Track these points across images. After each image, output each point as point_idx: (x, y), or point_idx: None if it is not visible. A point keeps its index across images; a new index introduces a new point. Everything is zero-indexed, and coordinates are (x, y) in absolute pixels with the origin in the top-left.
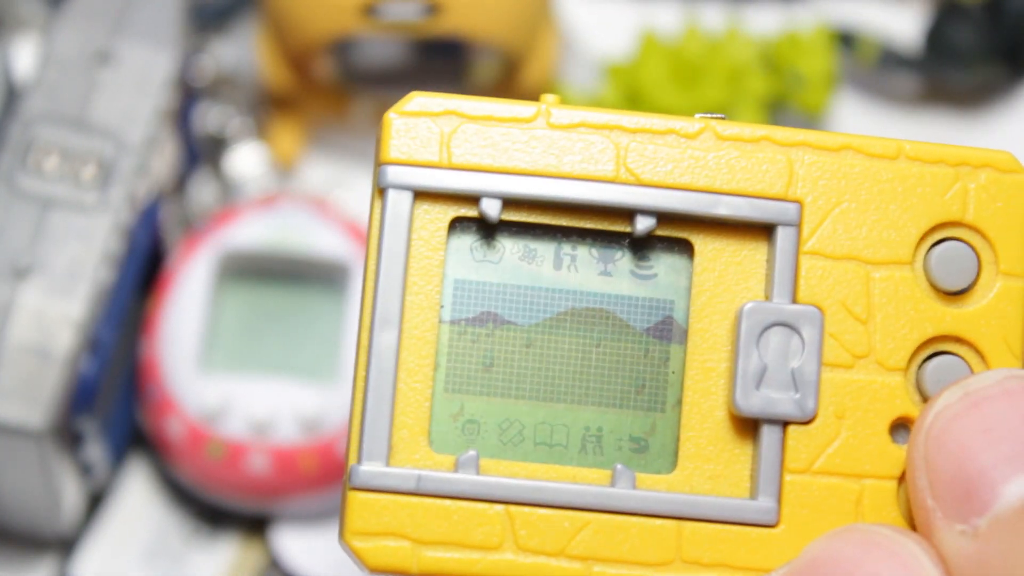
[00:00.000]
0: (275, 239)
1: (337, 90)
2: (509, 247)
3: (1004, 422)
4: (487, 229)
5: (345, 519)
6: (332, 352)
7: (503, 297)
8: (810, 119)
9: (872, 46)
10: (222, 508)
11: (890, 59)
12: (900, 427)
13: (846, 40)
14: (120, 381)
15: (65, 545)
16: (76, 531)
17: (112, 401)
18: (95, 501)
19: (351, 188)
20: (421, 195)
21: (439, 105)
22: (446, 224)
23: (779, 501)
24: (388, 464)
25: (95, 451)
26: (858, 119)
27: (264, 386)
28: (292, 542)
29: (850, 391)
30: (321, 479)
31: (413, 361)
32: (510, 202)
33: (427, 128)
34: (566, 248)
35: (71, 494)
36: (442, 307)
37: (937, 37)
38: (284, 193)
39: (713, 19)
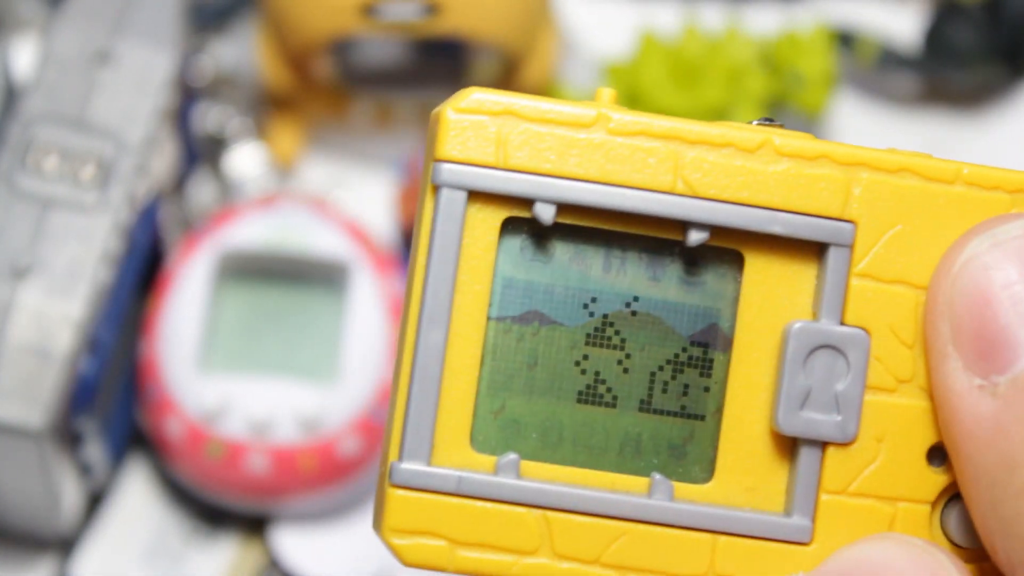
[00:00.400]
0: (274, 239)
1: (337, 90)
2: (559, 248)
3: None
4: (539, 231)
5: (384, 515)
6: (331, 352)
7: (550, 297)
8: (809, 119)
9: (872, 46)
10: (222, 508)
11: (890, 59)
12: (937, 452)
13: (845, 40)
14: (120, 381)
15: (65, 545)
16: (76, 531)
17: (112, 401)
18: (95, 501)
19: (350, 188)
20: (475, 195)
21: (496, 103)
22: (498, 224)
23: (813, 520)
24: (430, 463)
25: (95, 451)
26: (857, 119)
27: (263, 386)
28: (291, 542)
29: (891, 415)
30: (320, 479)
31: (458, 360)
32: (565, 207)
33: (484, 126)
34: (616, 252)
35: (71, 494)
36: (490, 306)
37: (936, 37)
38: (283, 193)
39: (713, 19)
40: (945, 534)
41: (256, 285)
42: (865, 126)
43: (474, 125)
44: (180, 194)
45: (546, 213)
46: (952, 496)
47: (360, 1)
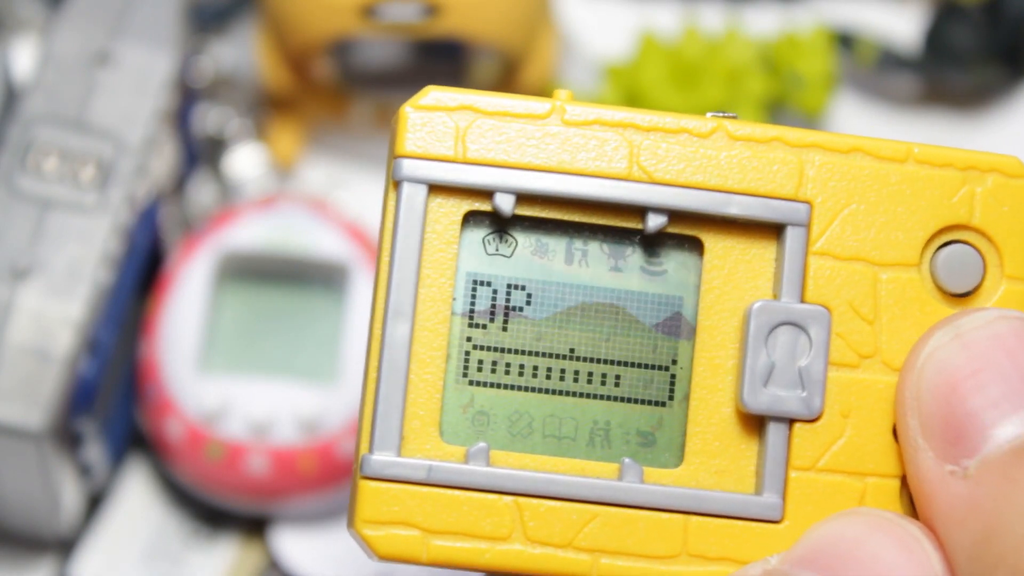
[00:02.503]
0: (274, 240)
1: (336, 91)
2: (521, 241)
3: (994, 364)
4: (500, 223)
5: (356, 507)
6: (331, 353)
7: (514, 290)
8: (809, 120)
9: (871, 47)
10: (221, 509)
11: (889, 60)
12: None
13: (845, 41)
14: (119, 382)
15: (64, 546)
16: (75, 532)
17: (111, 402)
18: (94, 502)
19: (350, 189)
20: (435, 189)
21: (454, 100)
22: (460, 218)
23: (784, 497)
24: (399, 454)
25: (94, 452)
26: (857, 120)
27: (263, 387)
28: (291, 543)
29: (856, 390)
30: (320, 480)
31: (425, 352)
32: (523, 197)
33: (442, 122)
34: (577, 243)
35: (70, 495)
36: (454, 300)
37: (936, 38)
38: (283, 194)
39: (712, 20)
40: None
41: (256, 286)
42: (865, 127)
43: (433, 121)
44: (180, 195)
45: (505, 204)
46: None
47: (360, 2)
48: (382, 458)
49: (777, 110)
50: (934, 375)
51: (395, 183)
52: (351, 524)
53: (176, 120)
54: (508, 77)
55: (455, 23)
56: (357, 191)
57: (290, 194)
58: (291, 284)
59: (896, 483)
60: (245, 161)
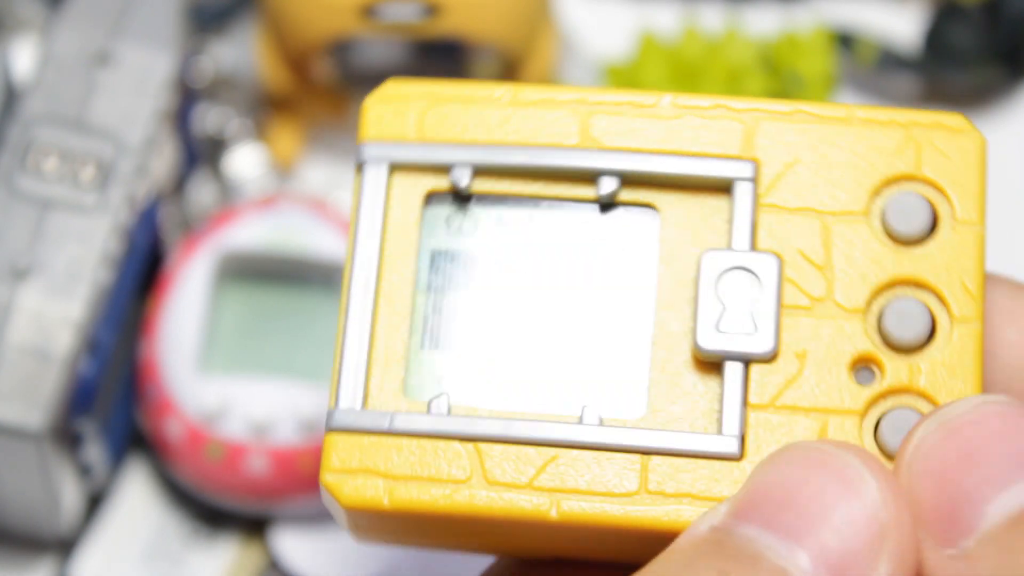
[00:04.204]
0: (274, 240)
1: (336, 91)
2: (482, 217)
3: (983, 447)
4: (461, 200)
5: (322, 460)
6: (331, 353)
7: (476, 264)
8: None
9: (871, 47)
10: (221, 509)
11: (889, 60)
12: (862, 367)
13: (845, 41)
14: (119, 382)
15: (64, 546)
16: (75, 532)
17: (111, 402)
18: (94, 502)
19: (350, 189)
20: (396, 168)
21: (414, 90)
22: (421, 196)
23: (743, 435)
24: (364, 407)
25: (94, 452)
26: None
27: (263, 387)
28: (291, 543)
29: (810, 331)
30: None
31: (389, 322)
32: (481, 171)
33: (402, 110)
34: (537, 216)
35: (70, 495)
36: (418, 273)
37: (936, 38)
38: (283, 194)
39: (712, 20)
40: (880, 444)
41: (256, 286)
42: None
43: (393, 109)
44: (180, 195)
45: (463, 177)
46: (893, 409)
47: (360, 2)
48: (346, 410)
49: None
50: (923, 466)
51: (359, 167)
52: (320, 478)
53: (176, 120)
54: (508, 77)
55: (455, 23)
56: None
57: (290, 194)
58: (291, 284)
59: (857, 420)
60: (245, 161)
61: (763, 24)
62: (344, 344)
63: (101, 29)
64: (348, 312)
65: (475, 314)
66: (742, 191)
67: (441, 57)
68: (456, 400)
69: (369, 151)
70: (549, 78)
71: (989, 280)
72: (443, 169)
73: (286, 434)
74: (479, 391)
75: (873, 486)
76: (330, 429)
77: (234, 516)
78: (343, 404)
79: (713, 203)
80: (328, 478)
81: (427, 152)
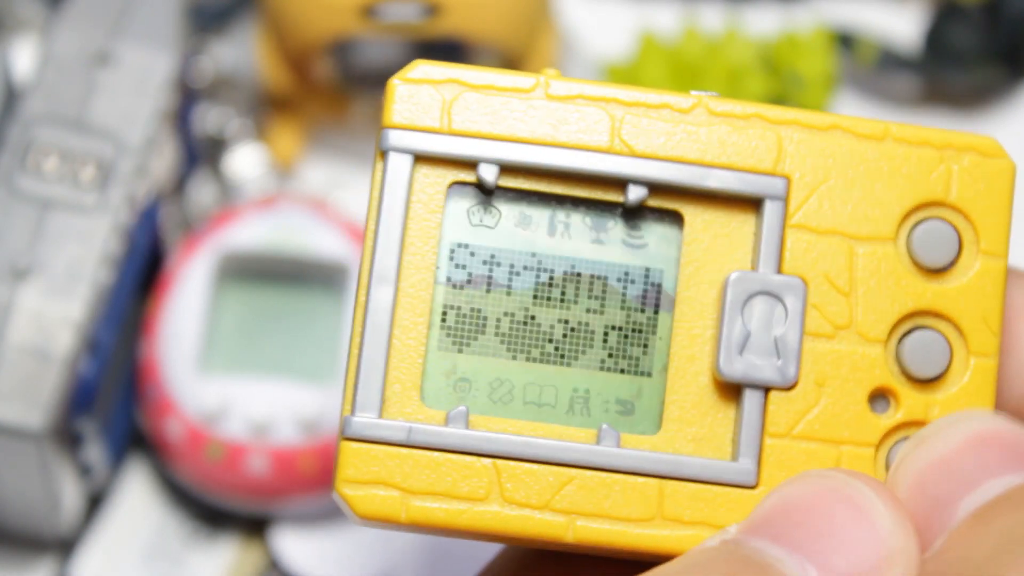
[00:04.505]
0: (274, 240)
1: (336, 91)
2: (505, 212)
3: (954, 454)
4: (484, 194)
5: (337, 468)
6: (331, 353)
7: (497, 260)
8: None
9: (871, 47)
10: (222, 509)
11: (889, 60)
12: (879, 397)
13: (845, 41)
14: (120, 382)
15: (64, 546)
16: (76, 532)
17: (112, 402)
18: (95, 502)
19: (350, 189)
20: (421, 159)
21: (442, 73)
22: (444, 188)
23: (759, 463)
24: (380, 416)
25: (95, 452)
26: None
27: (263, 387)
28: (292, 543)
29: (831, 360)
30: (320, 480)
31: (408, 319)
32: (507, 168)
33: (429, 95)
34: (560, 215)
35: (71, 495)
36: (438, 268)
37: (936, 38)
38: (283, 194)
39: (712, 20)
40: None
41: (256, 286)
42: None
43: (419, 94)
44: (180, 195)
45: (489, 175)
46: (899, 440)
47: (360, 2)
48: (363, 419)
49: None
50: (904, 481)
51: (381, 153)
52: (334, 486)
53: (176, 120)
54: None
55: (455, 23)
56: (357, 191)
57: (290, 194)
58: (291, 284)
59: (871, 451)
60: (245, 161)
61: (763, 24)
62: (362, 344)
63: (101, 29)
64: (367, 308)
65: (493, 313)
66: (772, 210)
67: (441, 57)
68: (474, 409)
69: (393, 139)
70: None
71: (1009, 275)
72: (469, 163)
73: (286, 434)
74: (497, 400)
75: (884, 513)
76: (345, 437)
77: (234, 516)
78: (360, 412)
79: (740, 217)
80: (343, 488)
81: (454, 145)
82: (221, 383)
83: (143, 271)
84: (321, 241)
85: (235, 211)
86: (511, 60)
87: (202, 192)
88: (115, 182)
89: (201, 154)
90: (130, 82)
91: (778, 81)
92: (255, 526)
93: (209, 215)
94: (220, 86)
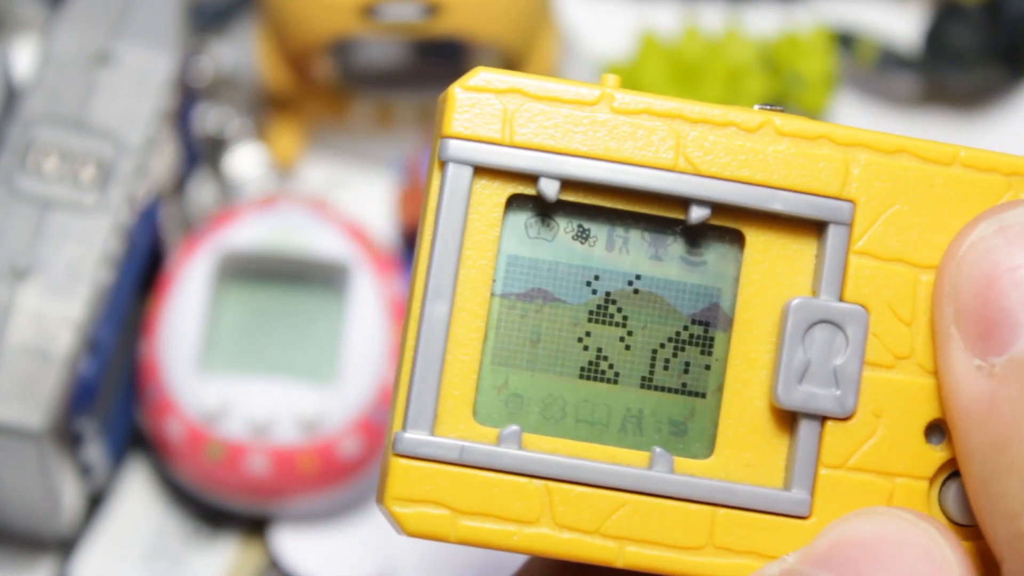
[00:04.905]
0: (275, 240)
1: (336, 91)
2: (563, 226)
3: None
4: (543, 207)
5: (386, 484)
6: (332, 353)
7: (554, 274)
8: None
9: (871, 47)
10: (222, 509)
11: (889, 60)
12: (935, 429)
13: (845, 41)
14: (120, 382)
15: (65, 545)
16: (76, 531)
17: (112, 402)
18: (95, 502)
19: (350, 189)
20: (480, 171)
21: (503, 82)
22: (503, 200)
23: (812, 494)
24: (432, 433)
25: (95, 452)
26: (858, 120)
27: (263, 387)
28: (292, 543)
29: (889, 391)
30: (320, 480)
31: (463, 333)
32: (568, 183)
33: (490, 104)
34: (619, 230)
35: (71, 495)
36: (494, 281)
37: (936, 38)
38: (283, 194)
39: (712, 20)
40: (943, 511)
41: (256, 286)
42: (865, 127)
43: (481, 103)
44: (180, 195)
45: (550, 189)
46: (951, 474)
47: (360, 2)
48: (415, 437)
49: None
50: (974, 265)
51: (440, 163)
52: (380, 500)
53: (176, 120)
54: None
55: (455, 23)
56: (357, 191)
57: (290, 194)
58: (291, 284)
59: (925, 484)
60: (245, 161)
61: (763, 24)
62: (416, 359)
63: (101, 29)
64: (421, 323)
65: (548, 328)
66: (836, 235)
67: (441, 57)
68: (526, 427)
69: (453, 149)
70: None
71: None
72: (529, 177)
73: (286, 434)
74: (549, 418)
75: (952, 561)
76: (396, 453)
77: (234, 516)
78: (411, 428)
79: (803, 240)
80: (392, 505)
81: (515, 158)
82: (221, 383)
83: (143, 271)
84: (321, 241)
85: (235, 211)
86: (511, 60)
87: (202, 192)
88: (115, 182)
89: (201, 154)
90: (130, 82)
91: (778, 81)
92: (255, 526)
93: (209, 215)
94: (220, 86)
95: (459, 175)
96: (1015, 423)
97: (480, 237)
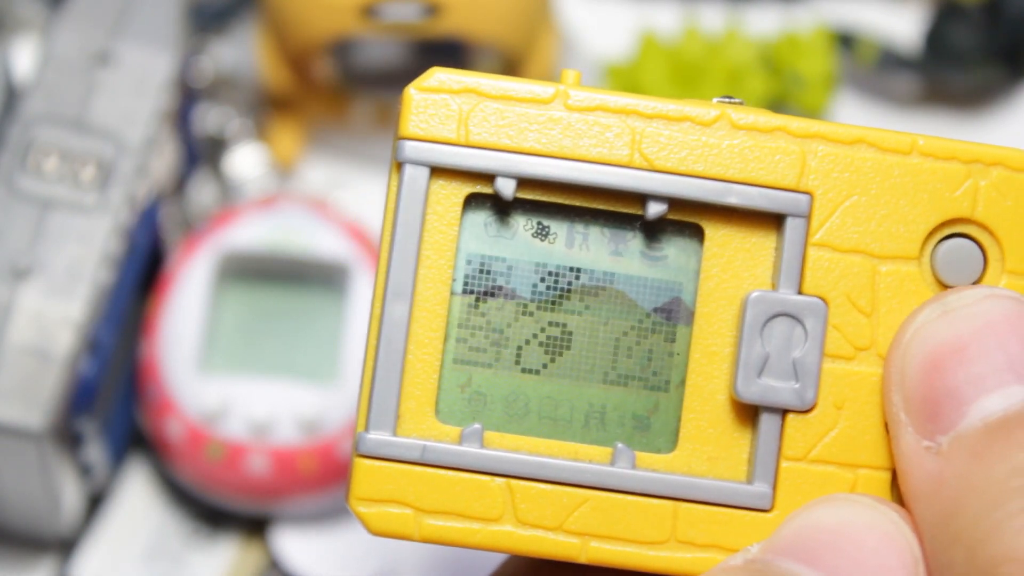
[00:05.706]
0: (275, 240)
1: (337, 91)
2: (523, 223)
3: (979, 342)
4: (501, 206)
5: (351, 484)
6: (332, 353)
7: (514, 272)
8: None
9: (871, 47)
10: (222, 509)
11: (890, 60)
12: None
13: (845, 41)
14: (120, 382)
15: (65, 546)
16: (76, 532)
17: (112, 402)
18: (95, 502)
19: (350, 189)
20: (437, 171)
21: (458, 82)
22: (461, 200)
23: (774, 487)
24: (395, 434)
25: (95, 452)
26: (858, 120)
27: (264, 387)
28: (292, 543)
29: (850, 382)
30: (321, 480)
31: (423, 333)
32: (525, 182)
33: (446, 105)
34: (579, 227)
35: (71, 495)
36: (454, 281)
37: (936, 38)
38: (284, 194)
39: (712, 20)
40: None
41: (256, 286)
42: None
43: (436, 104)
44: (180, 195)
45: (507, 188)
46: None
47: (360, 2)
48: (377, 437)
49: (777, 110)
50: (919, 350)
51: (398, 164)
52: (346, 499)
53: (176, 120)
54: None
55: (455, 23)
56: (357, 191)
57: (290, 194)
58: (291, 284)
59: (887, 475)
60: (245, 161)
61: (763, 24)
62: (376, 360)
63: (101, 29)
64: (382, 323)
65: (510, 326)
66: (794, 227)
67: (441, 57)
68: (489, 425)
69: (410, 151)
70: (549, 78)
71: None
72: (486, 176)
73: (286, 434)
74: (512, 415)
75: (914, 542)
76: (359, 454)
77: (234, 516)
78: (374, 429)
79: (761, 232)
80: (357, 505)
81: (470, 158)
82: (221, 383)
83: (143, 271)
84: (321, 241)
85: (235, 211)
86: (512, 60)
87: (202, 192)
88: (115, 182)
89: (201, 154)
90: (130, 82)
91: (778, 81)
92: (255, 526)
93: (209, 215)
94: (220, 86)
95: (416, 176)
96: (960, 496)
97: (439, 237)
